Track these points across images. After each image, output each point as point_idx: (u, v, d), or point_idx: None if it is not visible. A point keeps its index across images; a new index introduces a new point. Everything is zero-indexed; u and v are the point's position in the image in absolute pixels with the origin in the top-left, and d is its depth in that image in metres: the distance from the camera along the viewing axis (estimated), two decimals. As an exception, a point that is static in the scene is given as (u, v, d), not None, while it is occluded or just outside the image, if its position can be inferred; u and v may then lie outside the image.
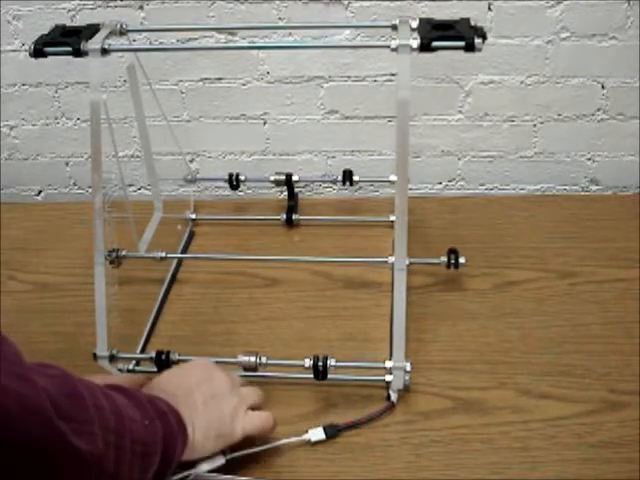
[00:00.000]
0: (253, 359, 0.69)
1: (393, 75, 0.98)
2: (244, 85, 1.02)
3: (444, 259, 0.82)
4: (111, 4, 0.96)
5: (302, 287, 0.86)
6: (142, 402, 0.57)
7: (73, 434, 0.44)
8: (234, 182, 0.97)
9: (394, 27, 0.66)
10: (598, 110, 1.01)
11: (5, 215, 1.01)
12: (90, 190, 1.09)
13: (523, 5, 0.92)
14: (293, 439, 0.66)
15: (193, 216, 0.98)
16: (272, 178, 0.95)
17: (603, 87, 0.99)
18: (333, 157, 1.08)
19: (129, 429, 0.52)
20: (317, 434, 0.67)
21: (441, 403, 0.70)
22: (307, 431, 0.67)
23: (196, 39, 0.97)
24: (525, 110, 1.02)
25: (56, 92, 1.05)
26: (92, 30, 0.69)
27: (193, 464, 0.61)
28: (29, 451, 0.42)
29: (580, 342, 0.76)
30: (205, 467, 0.62)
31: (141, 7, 0.96)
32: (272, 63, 0.99)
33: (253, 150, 1.09)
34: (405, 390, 0.70)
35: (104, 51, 0.67)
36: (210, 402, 0.62)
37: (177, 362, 0.71)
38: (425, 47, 0.63)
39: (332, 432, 0.67)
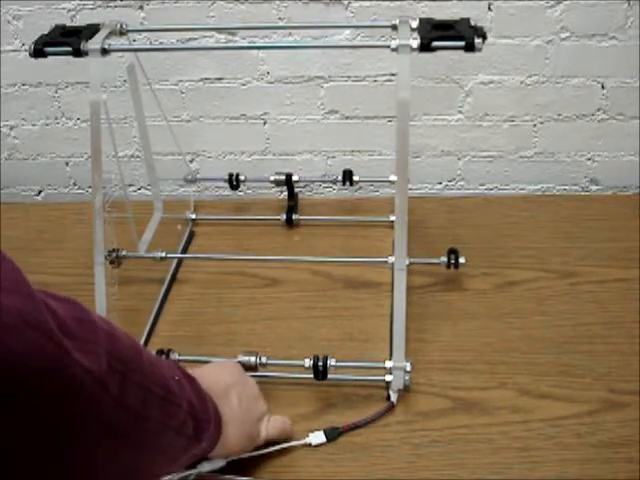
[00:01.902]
0: (253, 359, 0.70)
1: (393, 75, 0.98)
2: (244, 85, 1.02)
3: (444, 259, 0.82)
4: (111, 4, 0.96)
5: (302, 287, 0.86)
6: (176, 370, 0.55)
7: (74, 349, 0.42)
8: (234, 182, 0.97)
9: (394, 27, 0.67)
10: (598, 110, 1.01)
11: (5, 215, 1.01)
12: (90, 190, 1.09)
13: (523, 5, 0.92)
14: (294, 443, 0.67)
15: (193, 216, 0.98)
16: (272, 178, 0.95)
17: (603, 87, 0.99)
18: (333, 157, 1.08)
19: (148, 369, 0.49)
20: (317, 437, 0.67)
21: (441, 403, 0.70)
22: (308, 434, 0.67)
23: (196, 39, 0.97)
24: (525, 110, 1.02)
25: (56, 92, 1.05)
26: (92, 30, 0.69)
27: (193, 464, 0.62)
28: (28, 367, 0.39)
29: (580, 342, 0.76)
30: (206, 467, 0.62)
31: (141, 7, 0.96)
32: (272, 63, 0.99)
33: (253, 150, 1.09)
34: (405, 390, 0.70)
35: (104, 51, 0.67)
36: (244, 403, 0.62)
37: (177, 362, 0.71)
38: (425, 47, 0.63)
39: (332, 435, 0.67)
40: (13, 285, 0.41)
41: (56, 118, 1.08)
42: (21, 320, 0.40)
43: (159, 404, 0.50)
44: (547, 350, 0.75)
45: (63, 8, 0.96)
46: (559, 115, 1.02)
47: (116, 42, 0.69)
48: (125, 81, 0.85)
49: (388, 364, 0.69)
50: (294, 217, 0.96)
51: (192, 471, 0.62)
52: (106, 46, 0.67)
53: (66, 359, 0.41)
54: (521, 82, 0.99)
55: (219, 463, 0.63)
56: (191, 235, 0.97)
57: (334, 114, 1.04)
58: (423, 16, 0.68)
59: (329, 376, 0.69)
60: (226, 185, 0.97)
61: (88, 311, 0.47)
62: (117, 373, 0.46)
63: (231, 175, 0.96)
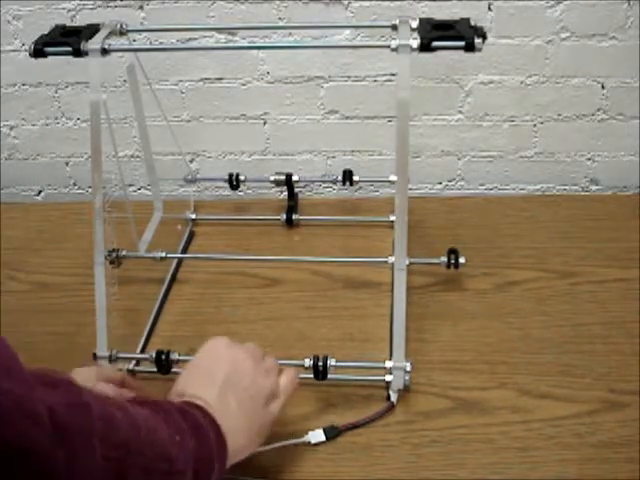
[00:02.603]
0: (253, 359, 0.69)
1: (393, 75, 0.98)
2: (244, 85, 1.02)
3: (444, 259, 0.82)
4: (111, 4, 0.96)
5: (302, 287, 0.86)
6: (172, 415, 0.52)
7: (66, 446, 0.41)
8: (234, 182, 0.97)
9: (394, 27, 0.67)
10: (598, 110, 1.01)
11: (5, 215, 1.01)
12: (90, 190, 1.09)
13: (523, 5, 0.92)
14: (293, 441, 0.66)
15: (193, 216, 0.98)
16: (272, 178, 0.95)
17: (603, 87, 0.99)
18: (333, 157, 1.08)
19: (149, 445, 0.47)
20: (317, 436, 0.67)
21: (441, 403, 0.70)
22: (307, 433, 0.67)
23: (196, 39, 0.97)
24: (525, 110, 1.02)
25: (56, 92, 1.05)
26: (92, 30, 0.69)
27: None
28: (21, 455, 0.39)
29: (580, 342, 0.76)
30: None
31: (141, 7, 0.96)
32: (272, 63, 0.99)
33: (253, 150, 1.09)
34: (405, 390, 0.70)
35: (104, 51, 0.67)
36: (244, 398, 0.57)
37: (177, 362, 0.71)
38: (425, 47, 0.63)
39: (332, 434, 0.67)
40: (9, 372, 0.40)
41: (56, 118, 1.08)
42: (17, 408, 0.39)
43: (167, 477, 0.48)
44: (547, 350, 0.75)
45: (63, 8, 0.96)
46: (559, 115, 1.02)
47: (116, 42, 0.69)
48: (125, 81, 0.85)
49: (388, 364, 0.69)
50: (294, 217, 0.96)
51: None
52: (106, 46, 0.67)
53: (48, 455, 0.40)
54: (521, 82, 0.99)
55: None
56: (191, 235, 0.97)
57: (334, 114, 1.04)
58: (423, 16, 0.68)
59: (329, 376, 0.69)
60: (226, 185, 0.97)
61: (81, 392, 0.45)
62: (115, 461, 0.44)
63: (231, 175, 0.96)
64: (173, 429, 0.50)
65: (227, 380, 0.58)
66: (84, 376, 0.60)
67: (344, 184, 0.95)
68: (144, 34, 0.95)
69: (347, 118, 1.04)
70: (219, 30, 0.97)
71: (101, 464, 0.43)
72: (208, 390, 0.57)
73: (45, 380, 0.43)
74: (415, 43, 0.63)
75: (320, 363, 0.69)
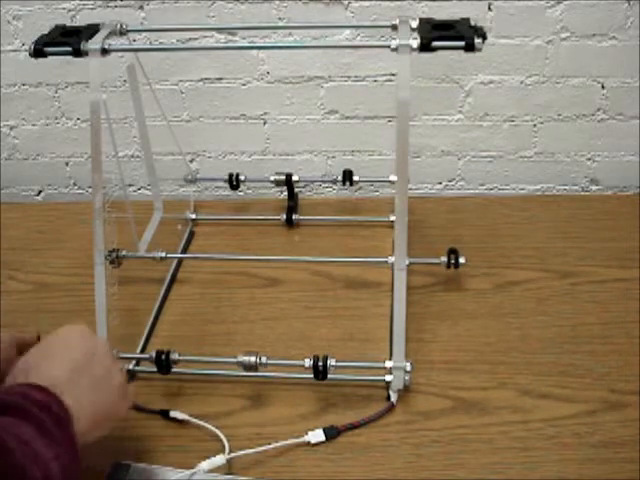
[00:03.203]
0: (253, 359, 0.69)
1: (393, 75, 0.98)
2: (244, 85, 1.02)
3: (444, 259, 0.82)
4: (111, 4, 0.96)
5: (302, 287, 0.86)
6: (21, 428, 0.49)
7: None
8: (234, 182, 0.97)
9: (394, 27, 0.67)
10: (598, 110, 1.01)
11: (5, 215, 1.01)
12: (90, 190, 1.09)
13: (523, 5, 0.92)
14: (292, 440, 0.66)
15: (193, 216, 0.98)
16: (272, 178, 0.95)
17: (603, 87, 0.99)
18: (333, 157, 1.08)
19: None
20: (316, 436, 0.67)
21: (441, 403, 0.70)
22: (307, 432, 0.67)
23: (196, 39, 0.97)
24: (525, 110, 1.02)
25: (56, 92, 1.05)
26: (92, 30, 0.69)
27: (193, 464, 0.62)
28: None
29: (580, 342, 0.76)
30: (205, 467, 0.62)
31: (141, 7, 0.96)
32: (272, 63, 0.99)
33: (253, 150, 1.09)
34: (405, 390, 0.70)
35: (104, 51, 0.67)
36: (98, 384, 0.57)
37: (177, 362, 0.71)
38: (425, 47, 0.63)
39: (332, 434, 0.67)
40: None
41: (56, 118, 1.08)
42: None
43: None
44: (547, 350, 0.75)
45: (63, 8, 0.96)
46: (559, 115, 1.02)
47: (116, 42, 0.69)
48: (125, 81, 0.85)
49: (388, 364, 0.69)
50: (294, 217, 0.96)
51: (192, 471, 0.62)
52: (106, 46, 0.67)
53: None
54: (521, 82, 0.99)
55: (218, 462, 0.63)
56: (191, 235, 0.97)
57: (334, 114, 1.04)
58: (423, 16, 0.68)
59: (329, 376, 0.69)
60: (226, 185, 0.97)
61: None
62: None
63: (231, 175, 0.96)
64: (26, 448, 0.48)
65: (85, 362, 0.57)
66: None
67: (344, 184, 0.95)
68: (144, 34, 0.95)
69: (347, 118, 1.04)
70: (219, 30, 0.97)
71: None
72: (63, 369, 0.56)
73: None
74: (415, 43, 0.63)
75: (320, 363, 0.68)
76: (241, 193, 1.07)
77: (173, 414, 0.69)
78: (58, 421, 0.51)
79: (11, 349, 0.62)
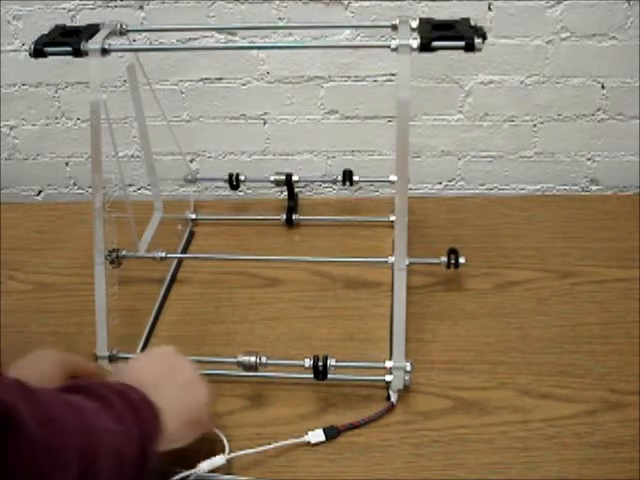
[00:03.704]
0: (253, 359, 0.69)
1: (393, 75, 0.98)
2: (244, 85, 1.02)
3: (444, 259, 0.82)
4: (111, 4, 0.96)
5: (302, 287, 0.86)
6: (113, 402, 0.53)
7: (47, 468, 0.42)
8: (234, 182, 0.97)
9: (394, 27, 0.67)
10: (598, 110, 1.01)
11: (5, 215, 1.01)
12: (90, 190, 1.09)
13: (523, 5, 0.92)
14: (292, 440, 0.66)
15: (193, 216, 0.98)
16: (272, 178, 0.95)
17: (603, 87, 0.99)
18: (333, 157, 1.08)
19: (107, 446, 0.49)
20: (316, 436, 0.67)
21: (441, 403, 0.70)
22: (307, 432, 0.67)
23: (196, 39, 0.97)
24: (525, 110, 1.02)
25: (56, 92, 1.05)
26: (92, 30, 0.69)
27: (193, 464, 0.62)
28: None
29: (580, 342, 0.76)
30: (205, 467, 0.62)
31: (141, 7, 0.96)
32: (272, 63, 0.99)
33: (253, 150, 1.09)
34: (405, 390, 0.70)
35: (104, 51, 0.67)
36: (181, 389, 0.61)
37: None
38: (425, 47, 0.63)
39: (332, 434, 0.67)
40: None
41: (56, 118, 1.08)
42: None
43: (116, 469, 0.50)
44: (547, 350, 0.75)
45: (63, 8, 0.96)
46: (559, 115, 1.02)
47: (116, 42, 0.69)
48: (125, 81, 0.85)
49: (388, 364, 0.69)
50: (294, 217, 0.96)
51: (191, 471, 0.62)
52: (106, 46, 0.67)
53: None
54: (521, 82, 0.99)
55: (218, 462, 0.63)
56: (191, 235, 0.97)
57: (334, 114, 1.04)
58: (423, 16, 0.68)
59: (329, 376, 0.69)
60: (226, 185, 0.97)
61: (53, 406, 0.46)
62: (89, 474, 0.46)
63: (231, 175, 0.96)
64: (117, 417, 0.52)
65: (168, 371, 0.61)
66: (46, 361, 0.62)
67: (344, 184, 0.95)
68: (144, 34, 0.95)
69: (347, 118, 1.04)
70: (219, 30, 0.97)
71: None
72: (149, 377, 0.60)
73: (23, 388, 0.43)
74: (415, 43, 0.63)
75: (320, 363, 0.68)
76: (241, 193, 1.07)
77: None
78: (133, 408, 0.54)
79: (57, 369, 0.63)
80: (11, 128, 1.09)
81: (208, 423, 0.63)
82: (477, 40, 0.63)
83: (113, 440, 0.51)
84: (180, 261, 0.91)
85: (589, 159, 1.06)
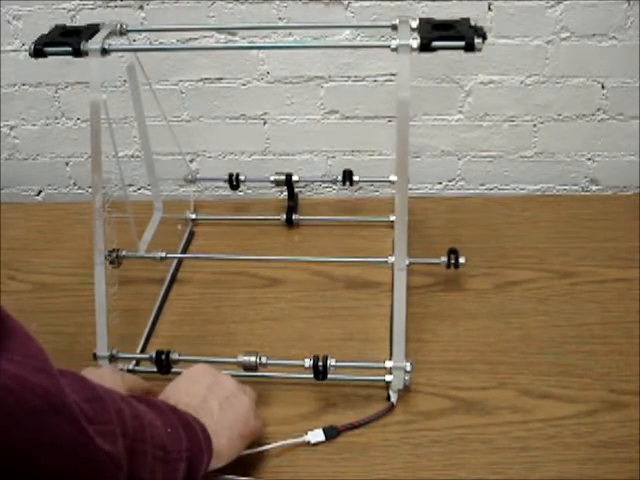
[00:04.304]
0: (253, 359, 0.69)
1: (393, 75, 0.98)
2: (244, 85, 1.02)
3: (444, 259, 0.82)
4: (111, 4, 0.96)
5: (302, 287, 0.86)
6: (164, 411, 0.56)
7: (97, 435, 0.43)
8: (234, 182, 0.97)
9: (394, 27, 0.67)
10: (598, 110, 1.01)
11: (5, 215, 1.01)
12: (90, 190, 1.09)
13: (523, 5, 0.92)
14: (292, 440, 0.66)
15: (193, 216, 0.98)
16: (272, 178, 0.95)
17: (603, 87, 0.99)
18: (333, 157, 1.08)
19: (150, 434, 0.51)
20: (316, 436, 0.67)
21: (441, 403, 0.70)
22: (307, 432, 0.67)
23: (196, 39, 0.97)
24: (525, 110, 1.02)
25: (56, 92, 1.05)
26: (92, 30, 0.69)
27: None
28: (56, 451, 0.41)
29: (580, 342, 0.76)
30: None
31: (141, 7, 0.96)
32: (272, 63, 0.99)
33: (253, 150, 1.09)
34: (405, 390, 0.70)
35: (104, 51, 0.67)
36: (225, 405, 0.61)
37: (177, 362, 0.71)
38: (425, 47, 0.63)
39: (331, 434, 0.67)
40: (41, 364, 0.41)
41: (56, 118, 1.08)
42: (48, 403, 0.40)
43: (162, 467, 0.51)
44: (547, 350, 0.75)
45: (63, 8, 0.96)
46: (559, 115, 1.02)
47: (116, 42, 0.69)
48: (125, 81, 0.85)
49: (388, 364, 0.69)
50: (294, 217, 0.96)
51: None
52: (106, 46, 0.67)
53: (91, 445, 0.42)
54: (521, 82, 0.99)
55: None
56: (191, 235, 0.97)
57: (334, 114, 1.04)
58: (423, 16, 0.68)
59: (329, 376, 0.69)
60: (226, 185, 0.97)
61: (93, 385, 0.48)
62: (127, 450, 0.47)
63: (231, 175, 0.96)
64: (166, 422, 0.54)
65: (210, 388, 0.62)
66: (106, 379, 0.62)
67: (344, 184, 0.95)
68: (144, 34, 0.95)
69: (347, 118, 1.04)
70: (219, 30, 0.97)
71: (123, 451, 0.46)
72: (192, 397, 0.61)
73: (60, 372, 0.44)
74: (415, 43, 0.63)
75: (320, 363, 0.68)
76: (241, 193, 1.07)
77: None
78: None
79: (117, 386, 0.63)
80: (11, 128, 1.09)
81: (258, 427, 0.64)
82: (477, 40, 0.63)
83: (161, 435, 0.52)
84: (180, 261, 0.91)
85: (589, 159, 1.06)
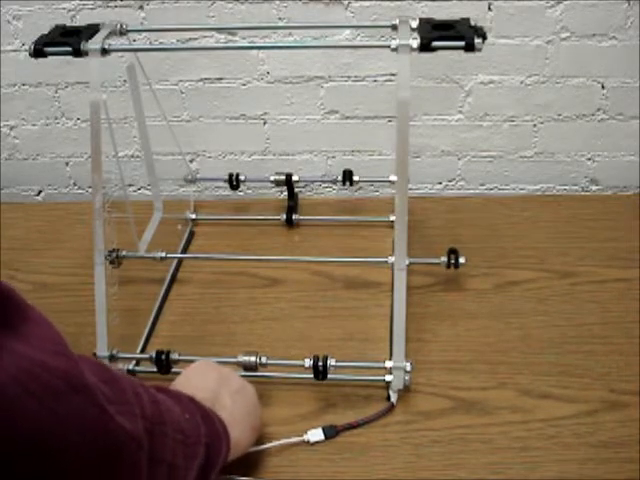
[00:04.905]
0: (253, 359, 0.69)
1: (393, 75, 0.98)
2: (244, 85, 1.02)
3: (444, 259, 0.82)
4: (111, 4, 0.96)
5: (302, 287, 0.86)
6: (183, 400, 0.56)
7: (116, 414, 0.43)
8: (234, 182, 0.97)
9: (394, 27, 0.67)
10: (598, 110, 1.01)
11: (5, 215, 1.01)
12: (90, 190, 1.09)
13: (523, 5, 0.92)
14: (292, 439, 0.66)
15: (193, 216, 0.98)
16: (272, 178, 0.95)
17: (603, 87, 0.99)
18: (333, 157, 1.08)
19: (169, 418, 0.51)
20: (316, 435, 0.67)
21: (441, 403, 0.70)
22: (306, 432, 0.67)
23: (196, 39, 0.97)
24: (525, 110, 1.02)
25: (56, 92, 1.05)
26: (92, 30, 0.69)
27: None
28: (78, 430, 0.41)
29: (580, 342, 0.76)
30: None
31: (141, 7, 0.96)
32: (272, 63, 0.99)
33: (253, 150, 1.09)
34: (405, 390, 0.70)
35: (104, 51, 0.67)
36: (236, 397, 0.62)
37: (177, 362, 0.71)
38: (425, 47, 0.63)
39: (331, 433, 0.67)
40: (58, 347, 0.41)
41: (56, 118, 1.08)
42: (68, 384, 0.40)
43: (182, 450, 0.51)
44: (547, 350, 0.75)
45: (63, 8, 0.96)
46: (559, 115, 1.02)
47: (116, 42, 0.69)
48: (125, 81, 0.85)
49: (388, 364, 0.69)
50: (294, 217, 0.96)
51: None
52: (106, 46, 0.67)
53: (111, 425, 0.42)
54: (521, 82, 0.99)
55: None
56: (191, 235, 0.97)
57: (334, 114, 1.04)
58: (423, 16, 0.68)
59: (329, 376, 0.69)
60: (226, 185, 0.97)
61: (110, 369, 0.48)
62: (147, 431, 0.47)
63: (231, 175, 0.96)
64: (184, 410, 0.54)
65: (219, 382, 0.63)
66: None
67: (344, 184, 0.95)
68: (144, 34, 0.95)
69: (347, 118, 1.04)
70: (219, 30, 0.97)
71: (142, 430, 0.46)
72: (204, 392, 0.60)
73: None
74: (415, 43, 0.63)
75: (320, 363, 0.68)
76: (241, 193, 1.07)
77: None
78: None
79: None
80: (11, 128, 1.09)
81: (262, 419, 0.65)
82: (477, 40, 0.63)
83: (180, 420, 0.52)
84: (180, 261, 0.91)
85: (589, 159, 1.06)
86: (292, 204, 0.97)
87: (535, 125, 1.03)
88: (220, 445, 0.57)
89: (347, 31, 0.95)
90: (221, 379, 0.63)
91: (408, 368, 0.69)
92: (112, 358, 0.72)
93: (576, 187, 1.09)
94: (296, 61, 0.99)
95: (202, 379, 0.63)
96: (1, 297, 0.39)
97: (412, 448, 0.66)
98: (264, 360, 0.70)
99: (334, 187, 1.11)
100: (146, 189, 1.11)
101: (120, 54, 0.83)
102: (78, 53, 0.67)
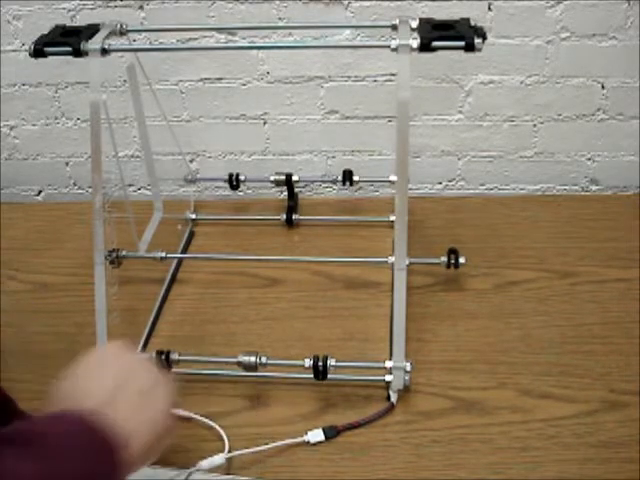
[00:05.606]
0: (253, 359, 0.69)
1: (393, 75, 0.98)
2: (244, 85, 1.02)
3: (444, 259, 0.82)
4: (111, 4, 0.96)
5: (302, 287, 0.86)
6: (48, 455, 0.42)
7: None
8: (234, 182, 0.97)
9: (394, 27, 0.67)
10: (598, 110, 1.01)
11: (5, 215, 1.01)
12: (90, 190, 1.09)
13: (523, 5, 0.92)
14: (292, 440, 0.66)
15: (193, 216, 0.98)
16: (272, 178, 0.95)
17: (603, 87, 0.99)
18: (333, 157, 1.08)
19: None
20: (316, 436, 0.67)
21: (441, 403, 0.70)
22: (307, 432, 0.67)
23: (196, 39, 0.97)
24: (525, 110, 1.02)
25: (56, 92, 1.05)
26: (92, 30, 0.69)
27: (192, 463, 0.62)
28: None
29: (580, 342, 0.76)
30: (205, 466, 0.62)
31: (141, 7, 0.96)
32: (272, 63, 0.99)
33: (253, 150, 1.09)
34: (405, 390, 0.70)
35: (104, 51, 0.67)
36: (143, 403, 0.49)
37: (177, 362, 0.71)
38: (425, 47, 0.63)
39: (331, 434, 0.67)
40: None
41: (56, 118, 1.08)
42: None
43: None
44: (547, 350, 0.75)
45: (63, 8, 0.96)
46: (559, 115, 1.02)
47: (116, 42, 0.69)
48: (125, 81, 0.85)
49: (388, 364, 0.69)
50: (294, 217, 0.96)
51: (191, 470, 0.62)
52: (106, 46, 0.67)
53: None
54: (521, 82, 0.99)
55: (218, 462, 0.63)
56: (191, 235, 0.97)
57: (334, 114, 1.04)
58: (423, 16, 0.68)
59: (329, 376, 0.69)
60: (226, 185, 0.97)
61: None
62: None
63: (231, 175, 0.96)
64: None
65: (119, 379, 0.50)
66: None
67: (344, 184, 0.95)
68: (144, 34, 0.95)
69: (347, 118, 1.04)
70: (219, 30, 0.96)
71: None
72: (94, 396, 0.48)
73: None
74: (415, 43, 0.63)
75: (320, 363, 0.68)
76: (241, 193, 1.07)
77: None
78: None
79: None
80: (11, 128, 1.09)
81: (175, 429, 0.52)
82: (477, 40, 0.63)
83: None
84: (180, 261, 0.91)
85: (589, 159, 1.06)
86: (292, 204, 0.97)
87: (535, 125, 1.03)
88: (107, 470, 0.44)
89: (347, 31, 0.95)
90: (124, 375, 0.50)
91: (408, 368, 0.69)
92: (112, 358, 0.72)
93: (576, 187, 1.09)
94: (296, 61, 0.99)
95: (97, 377, 0.50)
96: None
97: (412, 448, 0.66)
98: (264, 360, 0.70)
99: (334, 187, 1.11)
100: (146, 189, 1.11)
101: (120, 54, 0.83)
102: (78, 53, 0.67)
